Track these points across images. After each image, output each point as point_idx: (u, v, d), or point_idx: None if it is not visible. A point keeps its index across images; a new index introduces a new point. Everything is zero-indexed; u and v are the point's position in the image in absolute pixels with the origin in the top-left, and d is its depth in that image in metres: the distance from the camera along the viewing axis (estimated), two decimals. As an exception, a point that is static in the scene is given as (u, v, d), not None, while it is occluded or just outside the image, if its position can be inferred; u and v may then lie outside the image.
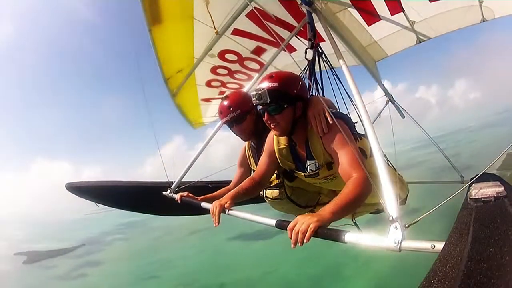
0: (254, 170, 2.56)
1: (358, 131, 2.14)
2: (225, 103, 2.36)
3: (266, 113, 1.87)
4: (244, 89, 3.13)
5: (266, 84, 1.83)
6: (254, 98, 1.84)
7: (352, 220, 2.52)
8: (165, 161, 3.10)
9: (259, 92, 1.81)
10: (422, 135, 4.13)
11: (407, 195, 2.63)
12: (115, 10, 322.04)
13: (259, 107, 1.89)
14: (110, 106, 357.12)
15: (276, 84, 1.81)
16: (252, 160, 2.55)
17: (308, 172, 2.06)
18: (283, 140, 2.07)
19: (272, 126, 1.92)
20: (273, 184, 2.41)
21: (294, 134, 1.98)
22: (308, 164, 2.02)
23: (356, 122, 2.23)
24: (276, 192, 2.41)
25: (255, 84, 3.37)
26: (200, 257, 28.24)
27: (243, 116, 2.33)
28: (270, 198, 2.45)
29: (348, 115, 2.37)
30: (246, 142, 2.58)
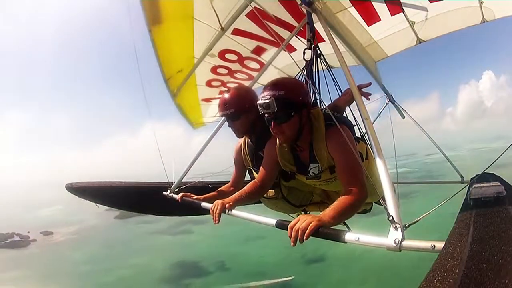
0: (249, 169, 2.55)
1: (356, 135, 2.16)
2: (225, 96, 2.30)
3: (272, 122, 1.81)
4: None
5: (272, 92, 1.77)
6: (261, 107, 1.79)
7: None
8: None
9: (266, 101, 1.75)
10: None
11: None
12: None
13: (266, 115, 1.83)
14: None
15: (282, 92, 1.76)
16: (248, 158, 2.50)
17: (310, 175, 2.06)
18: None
19: (278, 135, 1.88)
20: None
21: (299, 139, 1.94)
22: (311, 167, 2.02)
23: (354, 125, 2.25)
24: (271, 192, 2.40)
25: (255, 84, 3.38)
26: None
27: (238, 115, 2.26)
28: (266, 197, 2.44)
29: (348, 115, 2.39)
30: (242, 139, 2.52)
